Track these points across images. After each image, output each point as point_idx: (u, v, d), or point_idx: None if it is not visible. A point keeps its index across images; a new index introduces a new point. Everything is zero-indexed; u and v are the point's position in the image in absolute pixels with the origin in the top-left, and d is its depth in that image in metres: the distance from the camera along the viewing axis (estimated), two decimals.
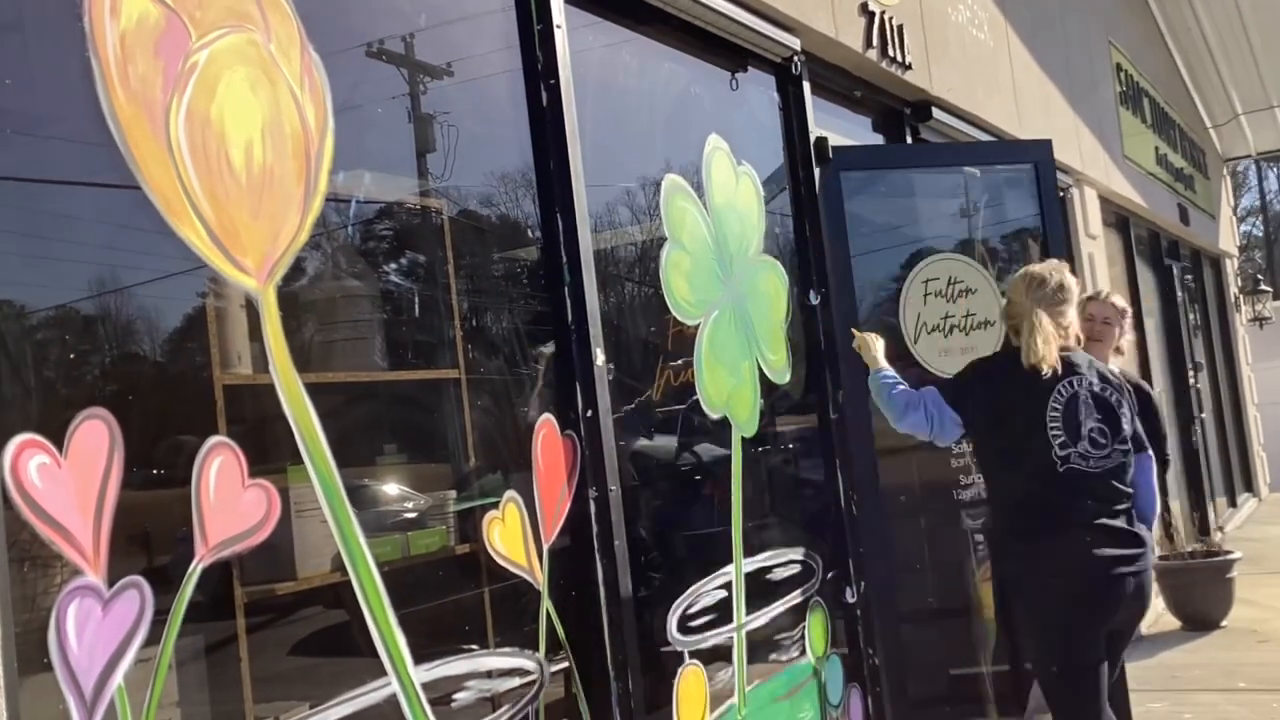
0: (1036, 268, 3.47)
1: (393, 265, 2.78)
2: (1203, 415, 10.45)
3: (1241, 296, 13.84)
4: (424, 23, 2.76)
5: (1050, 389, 3.23)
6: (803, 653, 3.76)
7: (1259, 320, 13.84)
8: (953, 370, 3.83)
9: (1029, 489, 3.26)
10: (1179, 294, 10.33)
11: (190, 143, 2.01)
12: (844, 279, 4.21)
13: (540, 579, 2.72)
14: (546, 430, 2.80)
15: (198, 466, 1.95)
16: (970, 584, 5.01)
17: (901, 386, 3.49)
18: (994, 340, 4.42)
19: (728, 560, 3.42)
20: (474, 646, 2.57)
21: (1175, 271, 10.40)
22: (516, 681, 2.61)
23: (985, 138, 5.88)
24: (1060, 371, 3.24)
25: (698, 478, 3.67)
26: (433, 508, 2.59)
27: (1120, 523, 3.21)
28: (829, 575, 3.97)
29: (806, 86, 4.23)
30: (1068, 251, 7.24)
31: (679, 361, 3.34)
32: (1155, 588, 7.51)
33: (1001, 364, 3.42)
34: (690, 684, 3.17)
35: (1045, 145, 5.13)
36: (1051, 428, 3.20)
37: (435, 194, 2.77)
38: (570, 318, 2.91)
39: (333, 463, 2.20)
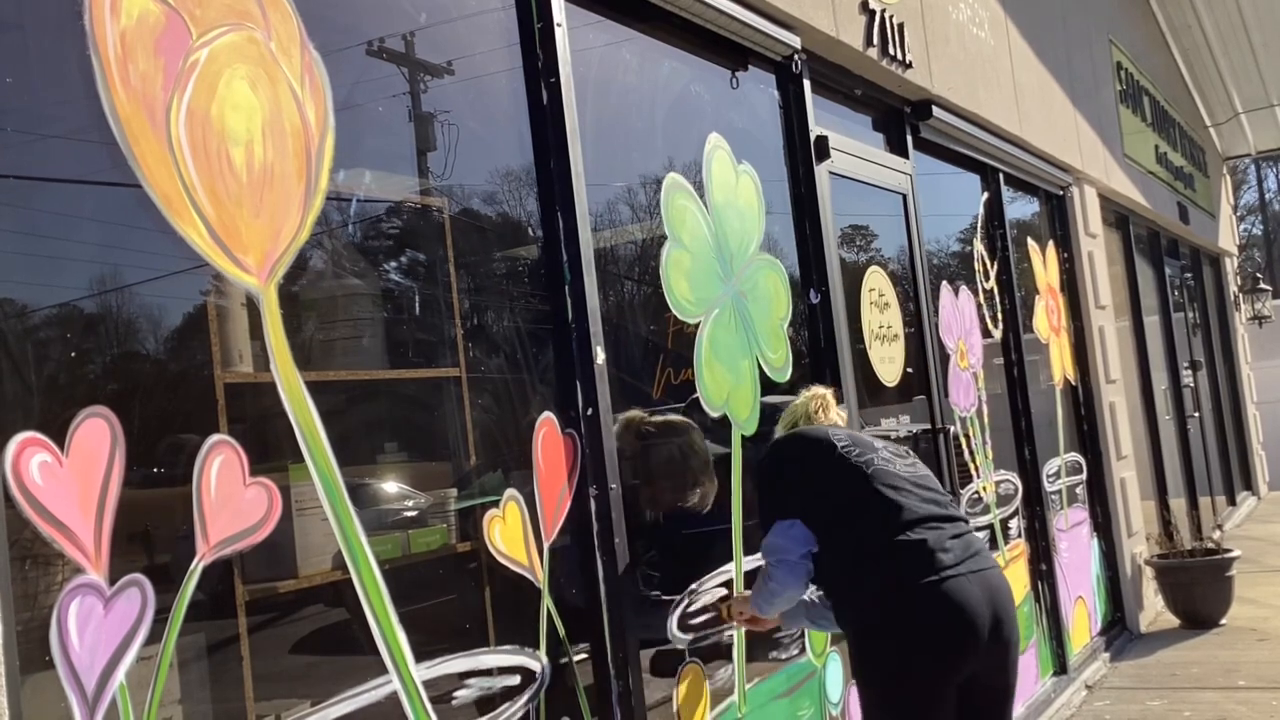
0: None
1: (393, 264, 2.78)
2: (1197, 414, 10.46)
3: (1241, 295, 13.84)
4: (424, 21, 2.76)
5: None
6: (802, 651, 3.76)
7: (1258, 319, 13.84)
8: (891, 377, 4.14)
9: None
10: (1178, 292, 10.33)
11: (191, 141, 2.01)
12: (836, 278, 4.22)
13: (541, 577, 2.72)
14: (547, 429, 2.80)
15: (199, 465, 1.95)
16: None
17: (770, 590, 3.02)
18: (901, 353, 4.69)
19: (728, 558, 3.43)
20: (475, 645, 2.57)
21: (1174, 270, 10.40)
22: (517, 679, 2.62)
23: (986, 136, 5.88)
24: None
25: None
26: (433, 506, 2.59)
27: None
28: None
29: (807, 85, 4.23)
30: (1068, 250, 7.28)
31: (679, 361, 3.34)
32: (1155, 586, 7.55)
33: None
34: (690, 682, 3.17)
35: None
36: None
37: (436, 192, 2.77)
38: (570, 316, 2.92)
39: (334, 461, 2.20)
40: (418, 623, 2.35)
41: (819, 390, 3.31)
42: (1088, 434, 7.15)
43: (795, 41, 4.08)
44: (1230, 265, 13.84)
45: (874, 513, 2.87)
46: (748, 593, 3.24)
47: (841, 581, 2.92)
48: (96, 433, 1.80)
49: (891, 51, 4.70)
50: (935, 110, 5.18)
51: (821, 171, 4.23)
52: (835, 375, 4.12)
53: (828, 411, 3.25)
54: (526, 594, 2.69)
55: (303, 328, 2.32)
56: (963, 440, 5.28)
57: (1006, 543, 5.69)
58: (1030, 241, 6.77)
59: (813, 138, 4.22)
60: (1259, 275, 14.64)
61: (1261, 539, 9.91)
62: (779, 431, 3.25)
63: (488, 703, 2.54)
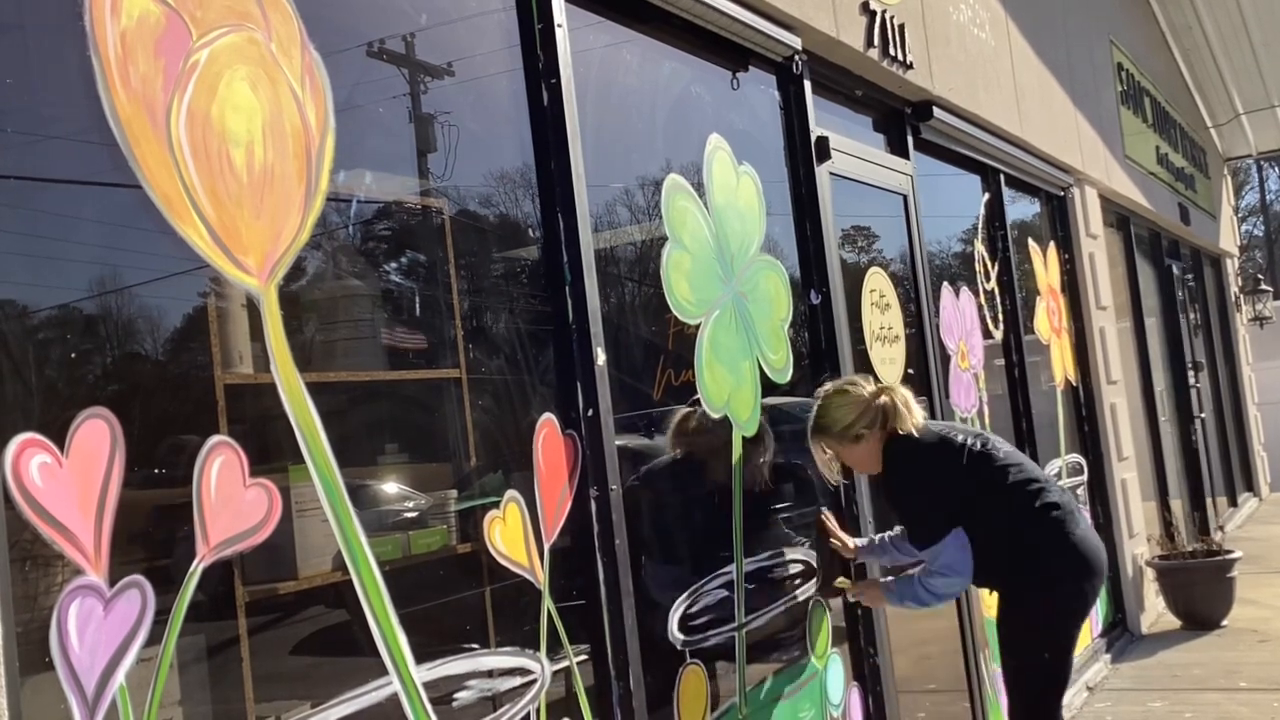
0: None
1: (394, 265, 2.78)
2: (1202, 415, 10.46)
3: (1242, 296, 13.84)
4: (425, 22, 2.76)
5: None
6: (803, 652, 3.76)
7: (1259, 320, 13.84)
8: (892, 378, 4.29)
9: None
10: (1179, 293, 10.33)
11: (191, 142, 2.01)
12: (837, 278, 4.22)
13: (541, 578, 2.72)
14: (547, 430, 2.80)
15: (199, 466, 1.95)
16: None
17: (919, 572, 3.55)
18: (902, 354, 4.73)
19: (728, 560, 3.42)
20: (475, 646, 2.57)
21: (1175, 271, 10.40)
22: (517, 681, 2.62)
23: (987, 137, 5.88)
24: None
25: (698, 477, 3.66)
26: (434, 507, 2.59)
27: None
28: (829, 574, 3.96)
29: (807, 86, 4.23)
30: (1069, 251, 7.28)
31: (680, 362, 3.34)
32: (1156, 587, 7.54)
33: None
34: (691, 683, 3.17)
35: None
36: None
37: (436, 193, 2.77)
38: (571, 317, 2.91)
39: (334, 462, 2.20)
40: (418, 624, 2.35)
41: (898, 389, 3.59)
42: (1089, 435, 7.15)
43: (796, 42, 4.08)
44: (1231, 266, 13.84)
45: (1015, 489, 3.46)
46: (881, 580, 3.74)
47: (1010, 553, 3.44)
48: (96, 434, 1.80)
49: (892, 52, 4.70)
50: (936, 111, 5.18)
51: (822, 172, 4.23)
52: (836, 376, 4.11)
53: (912, 410, 3.55)
54: (527, 595, 2.69)
55: (303, 329, 2.32)
56: None
57: None
58: (1031, 242, 6.76)
59: (813, 138, 4.22)
60: (1260, 276, 14.64)
61: (1263, 540, 9.90)
62: (842, 425, 3.53)
63: (488, 704, 2.54)
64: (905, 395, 3.56)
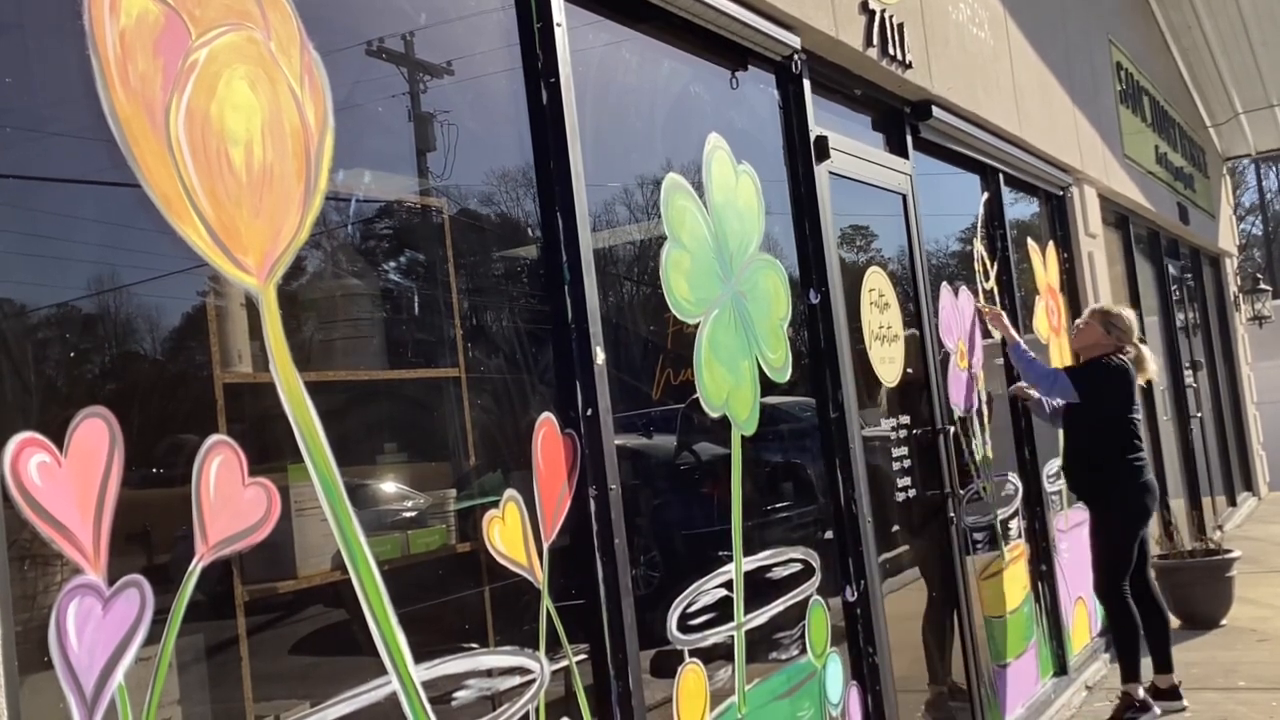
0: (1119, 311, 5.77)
1: (393, 264, 2.78)
2: (1199, 414, 10.46)
3: (1241, 295, 13.84)
4: (424, 21, 2.76)
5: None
6: (802, 651, 3.76)
7: (1258, 319, 13.85)
8: (891, 377, 4.68)
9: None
10: (1175, 292, 10.33)
11: (190, 141, 2.01)
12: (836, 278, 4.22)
13: (540, 578, 2.72)
14: (546, 429, 2.80)
15: (198, 465, 1.95)
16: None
17: (1036, 359, 5.65)
18: (901, 352, 4.77)
19: (728, 559, 3.43)
20: (474, 645, 2.57)
21: (1172, 270, 10.40)
22: (517, 680, 2.62)
23: (986, 136, 5.88)
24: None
25: (697, 477, 3.67)
26: (433, 506, 2.59)
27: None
28: (828, 574, 3.97)
29: (807, 85, 4.23)
30: (1068, 251, 7.28)
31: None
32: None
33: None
34: (690, 683, 3.17)
35: None
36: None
37: (435, 193, 2.77)
38: (570, 316, 2.91)
39: (333, 461, 2.20)
40: (417, 623, 2.35)
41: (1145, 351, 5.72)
42: None
43: (795, 41, 4.08)
44: (1230, 265, 13.84)
45: (1133, 435, 5.53)
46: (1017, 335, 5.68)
47: (1112, 472, 5.51)
48: (95, 433, 1.80)
49: (891, 52, 4.70)
50: (935, 110, 5.18)
51: (821, 172, 4.23)
52: (835, 376, 4.12)
53: (1144, 365, 5.67)
54: (526, 595, 2.69)
55: (302, 328, 2.31)
56: (962, 440, 5.28)
57: (1006, 543, 5.69)
58: (1030, 242, 6.76)
59: (812, 138, 4.21)
60: (1259, 275, 14.65)
61: (1262, 539, 9.91)
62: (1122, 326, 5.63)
63: (487, 703, 2.54)
64: (1146, 358, 5.68)
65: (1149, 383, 6.18)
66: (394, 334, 2.63)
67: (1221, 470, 11.58)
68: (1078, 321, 5.86)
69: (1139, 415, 5.58)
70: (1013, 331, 5.60)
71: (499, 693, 2.57)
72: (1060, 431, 5.87)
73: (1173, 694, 5.54)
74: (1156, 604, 5.64)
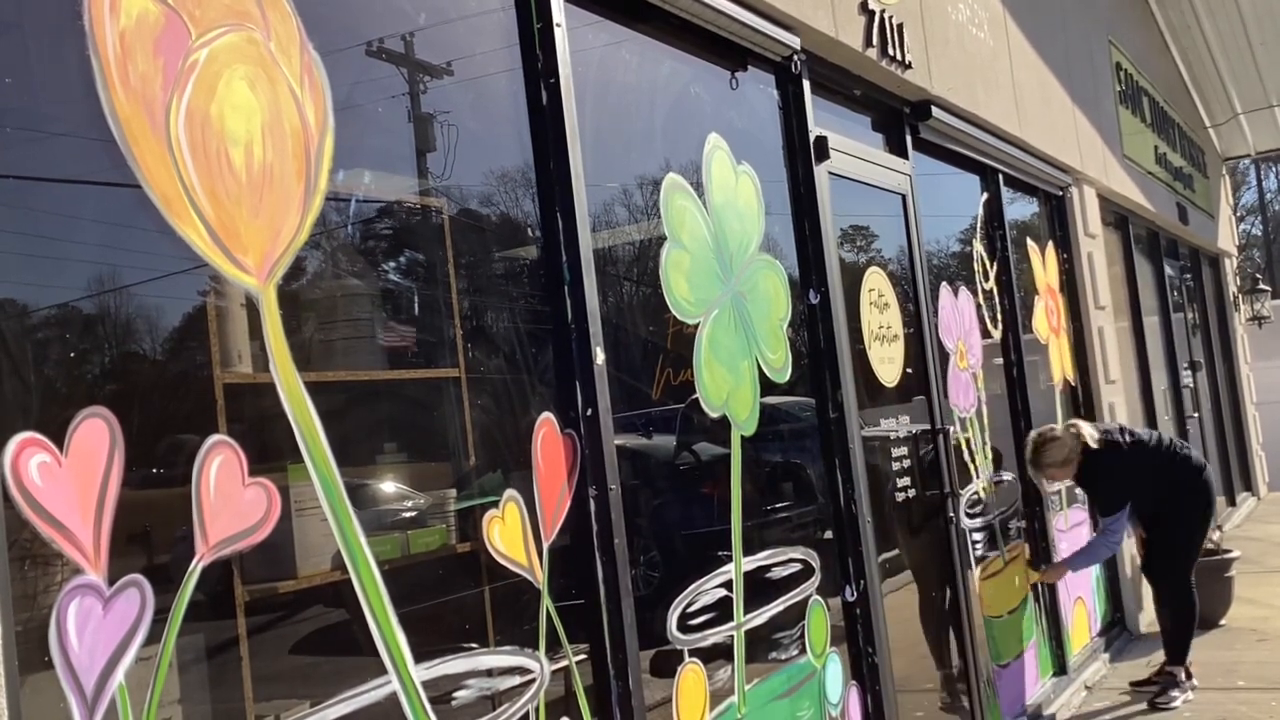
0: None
1: (393, 264, 2.78)
2: (1196, 415, 10.46)
3: (1240, 296, 13.84)
4: (424, 22, 2.76)
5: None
6: (802, 651, 3.76)
7: (1258, 319, 13.84)
8: (890, 377, 4.71)
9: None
10: (1172, 293, 10.33)
11: (190, 141, 2.01)
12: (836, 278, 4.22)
13: (540, 578, 2.72)
14: (546, 429, 2.80)
15: (198, 465, 1.95)
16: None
17: (1087, 548, 6.08)
18: (901, 353, 4.77)
19: (727, 559, 3.43)
20: (474, 645, 2.57)
21: (1170, 271, 10.40)
22: (516, 680, 2.62)
23: (985, 137, 5.88)
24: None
25: (697, 477, 3.67)
26: (433, 506, 2.59)
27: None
28: (828, 574, 3.97)
29: (806, 85, 4.23)
30: (1067, 251, 7.28)
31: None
32: None
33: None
34: (690, 682, 3.17)
35: None
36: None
37: (435, 193, 2.77)
38: (570, 317, 2.91)
39: (333, 461, 2.20)
40: (417, 623, 2.35)
41: (1079, 424, 5.77)
42: None
43: (795, 42, 4.08)
44: (1229, 266, 13.84)
45: (1168, 454, 5.89)
46: (1057, 563, 6.04)
47: (1170, 490, 5.82)
48: (95, 433, 1.80)
49: (891, 52, 4.70)
50: (935, 111, 5.18)
51: (821, 172, 4.23)
52: (835, 376, 4.12)
53: (1090, 435, 5.69)
54: (526, 595, 2.69)
55: (302, 328, 2.31)
56: (962, 441, 5.29)
57: (1006, 543, 5.69)
58: (1030, 242, 6.77)
59: (812, 138, 4.22)
60: (1258, 276, 14.64)
61: (1261, 539, 9.91)
62: (1059, 459, 5.69)
63: (487, 703, 2.54)
64: (1083, 427, 5.72)
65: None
66: (394, 334, 2.63)
67: (1221, 471, 11.58)
68: (1051, 466, 5.75)
69: (1141, 434, 5.98)
70: (1065, 568, 6.02)
71: (499, 693, 2.57)
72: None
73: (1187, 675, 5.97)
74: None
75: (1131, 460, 5.72)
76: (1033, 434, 5.79)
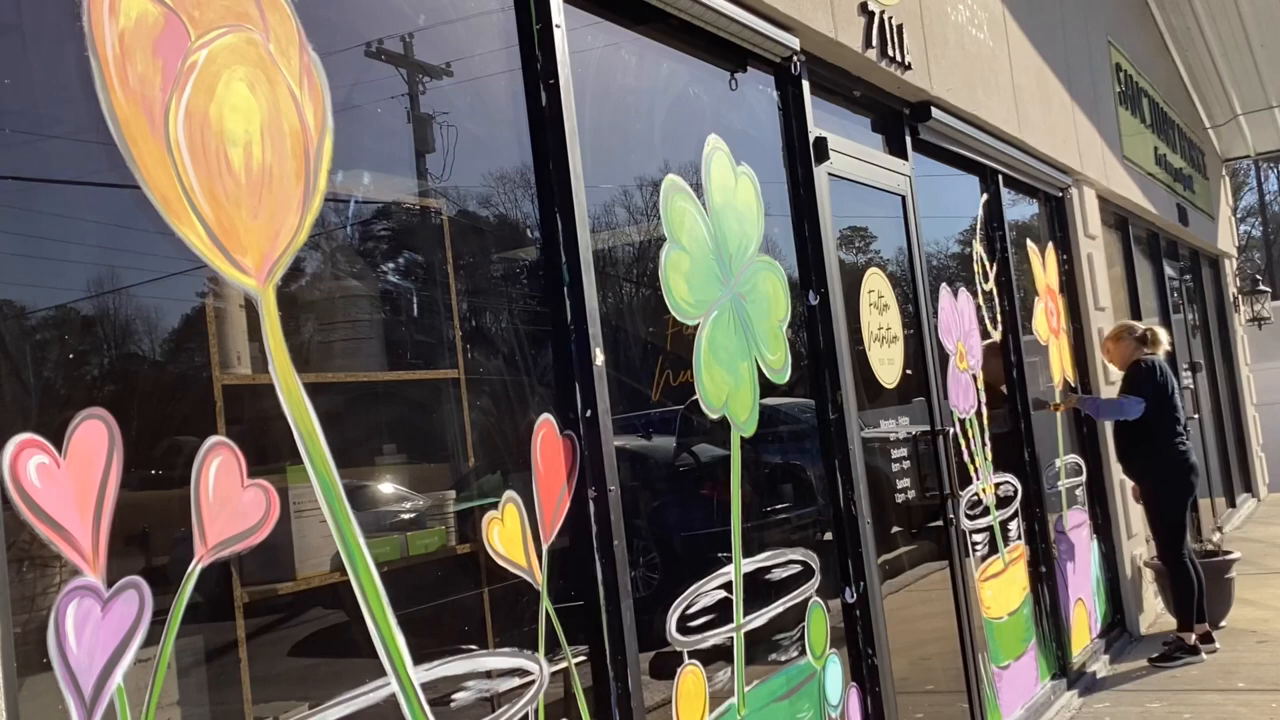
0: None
1: (392, 265, 2.77)
2: (1197, 416, 10.46)
3: (1240, 297, 13.84)
4: (423, 22, 2.76)
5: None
6: (802, 652, 3.76)
7: (1258, 320, 13.84)
8: (890, 379, 4.73)
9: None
10: (1171, 295, 10.33)
11: (189, 142, 2.01)
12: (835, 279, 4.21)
13: (539, 579, 2.72)
14: (546, 430, 2.80)
15: (197, 466, 1.95)
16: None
17: (1102, 402, 6.91)
18: (901, 354, 4.77)
19: (727, 560, 3.42)
20: (473, 646, 2.57)
21: (1169, 272, 10.40)
22: (516, 681, 2.61)
23: (985, 138, 5.88)
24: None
25: (697, 478, 3.67)
26: (432, 508, 2.59)
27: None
28: (828, 575, 3.97)
29: (806, 86, 4.23)
30: (1067, 252, 7.28)
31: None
32: (1154, 588, 7.54)
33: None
34: (689, 684, 3.17)
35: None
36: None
37: (434, 194, 2.77)
38: (569, 318, 2.91)
39: (332, 463, 2.20)
40: (416, 625, 2.35)
41: (1160, 334, 6.78)
42: (1087, 436, 7.15)
43: (794, 43, 4.08)
44: (1229, 267, 13.84)
45: (1173, 422, 6.53)
46: (1080, 395, 6.90)
47: (1160, 457, 6.50)
48: (94, 434, 1.80)
49: (890, 53, 4.70)
50: (934, 112, 5.18)
51: (820, 173, 4.23)
52: (834, 377, 4.12)
53: (1149, 335, 6.72)
54: (525, 596, 2.69)
55: (301, 329, 2.31)
56: (962, 442, 5.28)
57: (1006, 545, 5.69)
58: (1029, 243, 6.76)
59: (812, 139, 4.22)
60: (1258, 277, 14.64)
61: (1261, 541, 9.91)
62: (1113, 333, 6.90)
63: (487, 705, 2.54)
64: (1160, 335, 6.75)
65: (1167, 353, 6.98)
66: (393, 335, 2.63)
67: (1221, 472, 11.58)
68: (1105, 343, 6.96)
69: (1179, 400, 6.62)
70: (1082, 402, 6.83)
71: (498, 694, 2.57)
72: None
73: (1206, 638, 6.50)
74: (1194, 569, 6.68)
75: (1163, 400, 6.48)
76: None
